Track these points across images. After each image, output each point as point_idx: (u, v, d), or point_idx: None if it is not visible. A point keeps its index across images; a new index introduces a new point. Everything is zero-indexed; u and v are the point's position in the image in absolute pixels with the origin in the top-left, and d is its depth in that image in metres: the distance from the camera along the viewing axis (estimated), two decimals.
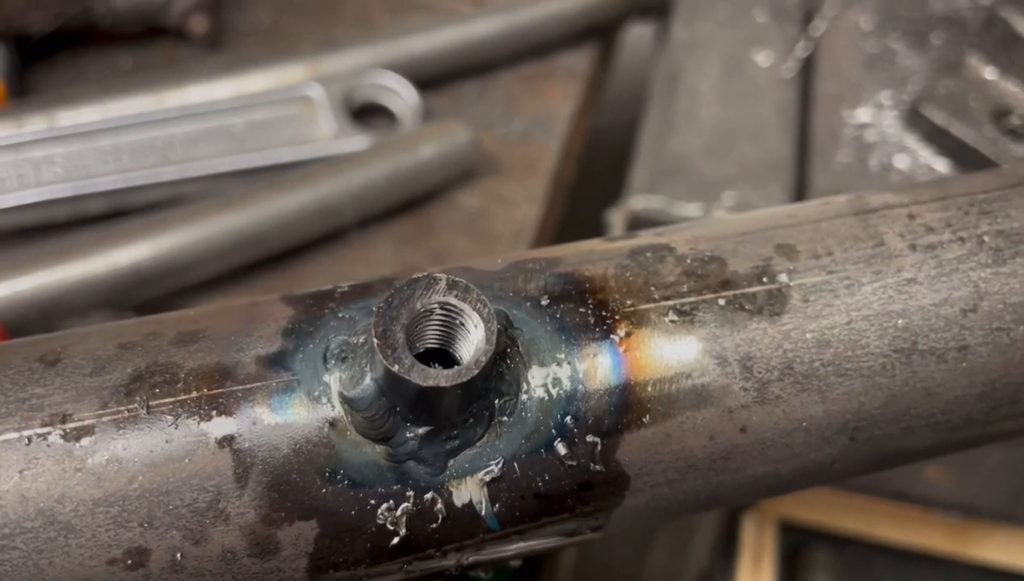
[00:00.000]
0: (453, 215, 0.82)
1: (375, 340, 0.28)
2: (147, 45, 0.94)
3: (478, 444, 0.31)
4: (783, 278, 0.35)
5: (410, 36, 0.89)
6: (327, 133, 0.82)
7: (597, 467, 0.32)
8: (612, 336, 0.33)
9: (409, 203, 0.82)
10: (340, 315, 0.33)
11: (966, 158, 0.77)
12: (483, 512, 0.32)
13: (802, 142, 0.86)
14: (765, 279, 0.35)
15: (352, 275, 0.76)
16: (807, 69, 0.92)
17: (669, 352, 0.33)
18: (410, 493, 0.31)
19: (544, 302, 0.34)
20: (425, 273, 0.30)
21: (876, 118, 0.82)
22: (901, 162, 0.78)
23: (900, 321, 0.34)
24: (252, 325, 0.33)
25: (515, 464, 0.32)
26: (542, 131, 0.89)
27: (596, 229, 0.87)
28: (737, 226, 0.37)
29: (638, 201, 0.81)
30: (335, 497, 0.30)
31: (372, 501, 0.31)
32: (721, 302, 0.34)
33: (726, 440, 0.34)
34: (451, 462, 0.31)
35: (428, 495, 0.31)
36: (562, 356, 0.33)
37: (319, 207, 0.76)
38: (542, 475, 0.32)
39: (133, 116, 0.80)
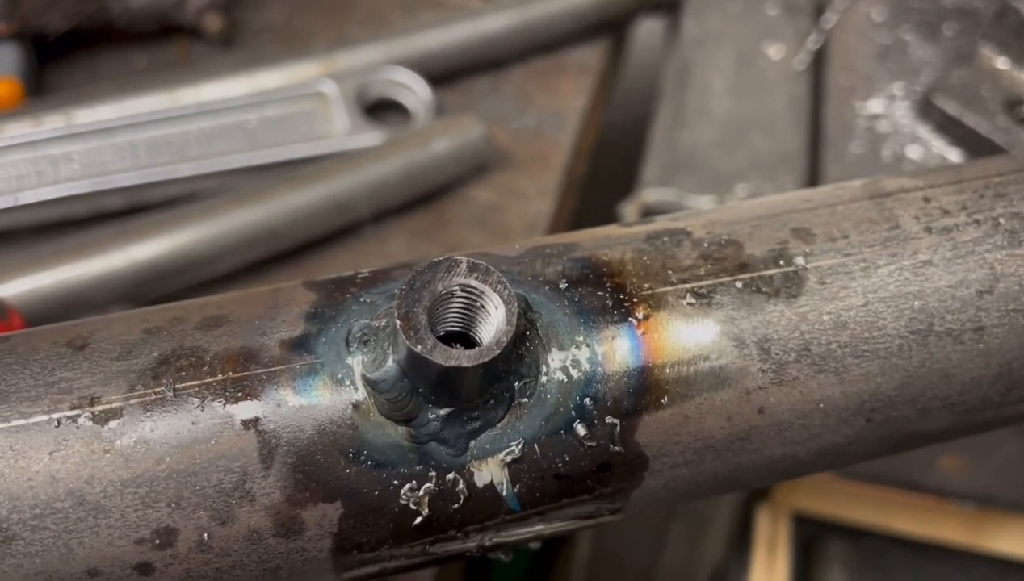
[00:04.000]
0: (466, 209, 0.83)
1: (398, 321, 0.29)
2: (162, 43, 0.95)
3: (499, 425, 0.32)
4: (799, 261, 0.35)
5: (423, 32, 0.90)
6: (341, 129, 0.83)
7: (616, 448, 0.33)
8: (630, 319, 0.33)
9: (423, 197, 0.82)
10: (362, 299, 0.33)
11: (979, 148, 0.77)
12: (504, 493, 0.32)
13: (814, 134, 0.86)
14: (782, 262, 0.35)
15: (365, 267, 0.77)
16: (818, 61, 0.93)
17: (687, 334, 0.33)
18: (432, 474, 0.31)
19: (563, 286, 0.34)
20: (446, 256, 0.31)
21: (888, 109, 0.82)
22: (914, 152, 0.78)
23: (916, 302, 0.35)
24: (275, 310, 0.33)
25: (535, 445, 0.32)
26: (554, 126, 0.90)
27: (609, 222, 0.87)
28: (753, 211, 0.37)
29: (651, 193, 0.81)
30: (359, 478, 0.31)
31: (395, 482, 0.31)
32: (738, 285, 0.34)
33: (744, 421, 0.34)
34: (472, 443, 0.32)
35: (450, 475, 0.31)
36: (581, 339, 0.33)
37: (334, 202, 0.77)
38: (562, 456, 0.32)
39: (149, 113, 0.81)
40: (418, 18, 0.94)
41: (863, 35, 0.90)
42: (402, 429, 0.31)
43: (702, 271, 0.34)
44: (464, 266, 0.30)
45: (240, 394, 0.31)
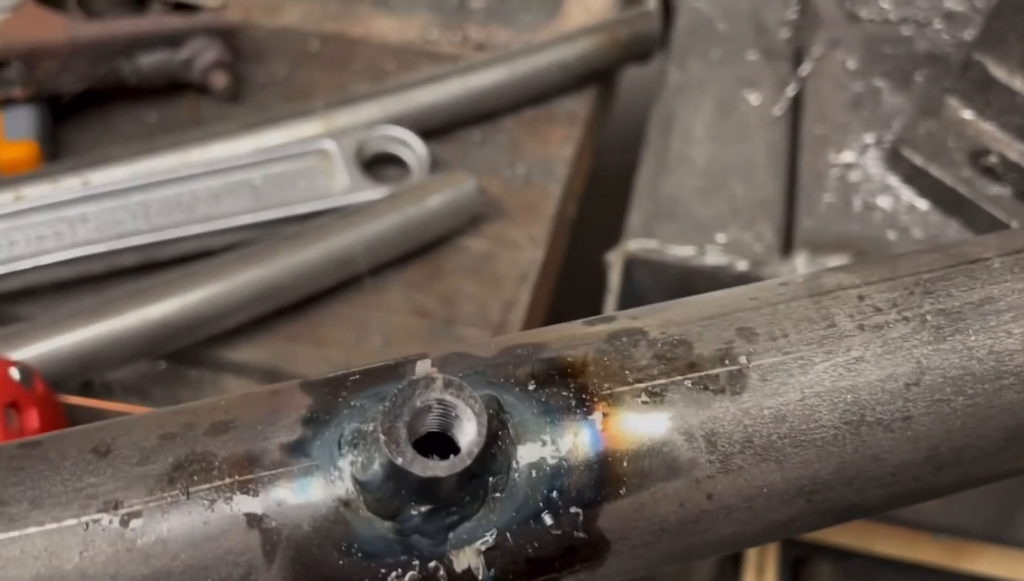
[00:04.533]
0: (460, 259, 0.87)
1: (381, 436, 0.33)
2: (171, 100, 1.00)
3: (474, 518, 0.36)
4: (743, 360, 0.39)
5: (418, 89, 0.94)
6: (342, 185, 0.87)
7: (580, 534, 0.37)
8: (591, 417, 0.37)
9: (419, 249, 0.87)
10: (352, 404, 0.38)
11: (945, 198, 0.81)
12: (480, 576, 0.36)
13: (791, 183, 0.90)
14: (727, 361, 0.39)
15: (364, 320, 0.81)
16: (796, 108, 0.97)
17: (642, 430, 0.37)
18: (416, 562, 0.35)
19: (531, 387, 0.38)
20: (425, 375, 0.35)
21: (860, 159, 0.86)
22: (884, 202, 0.82)
23: (849, 396, 0.39)
24: (275, 415, 0.37)
25: (507, 534, 0.36)
26: (543, 174, 0.94)
27: (599, 268, 0.91)
28: (704, 309, 0.42)
29: (634, 244, 0.85)
30: (351, 568, 0.35)
31: (383, 570, 0.35)
32: (688, 383, 0.38)
33: (695, 506, 0.38)
34: (451, 534, 0.36)
35: (431, 564, 0.36)
36: (547, 437, 0.37)
37: (335, 258, 0.81)
38: (532, 543, 0.36)
39: (160, 173, 0.86)
40: (413, 74, 0.98)
41: (838, 83, 0.94)
42: (388, 524, 0.35)
43: (656, 371, 0.39)
44: (440, 383, 0.35)
45: (245, 495, 0.35)
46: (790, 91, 0.97)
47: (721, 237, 0.85)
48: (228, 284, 0.77)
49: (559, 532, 0.36)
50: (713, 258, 0.83)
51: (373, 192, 0.87)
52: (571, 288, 1.02)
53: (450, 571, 0.36)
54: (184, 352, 0.79)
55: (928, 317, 0.41)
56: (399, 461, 0.33)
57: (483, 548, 0.36)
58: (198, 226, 0.83)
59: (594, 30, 1.00)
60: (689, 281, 0.85)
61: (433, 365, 0.40)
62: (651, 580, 0.44)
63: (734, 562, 1.13)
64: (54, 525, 0.34)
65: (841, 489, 0.40)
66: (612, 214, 1.16)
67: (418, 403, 0.34)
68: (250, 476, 0.35)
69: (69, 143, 0.96)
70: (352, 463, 0.36)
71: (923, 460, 0.40)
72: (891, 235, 0.80)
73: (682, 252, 0.84)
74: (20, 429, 0.62)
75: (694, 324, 0.40)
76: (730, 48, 1.05)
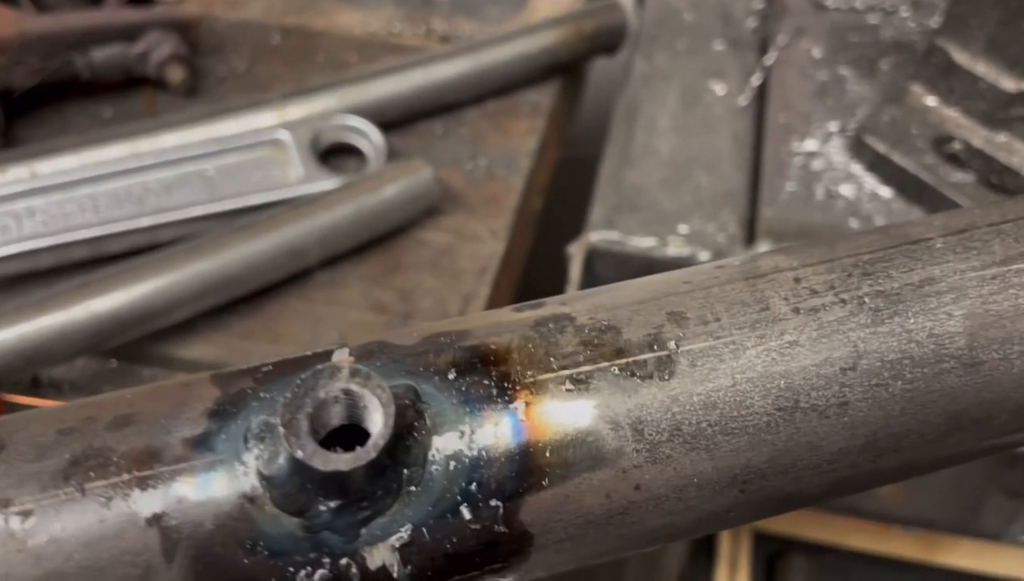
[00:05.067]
0: (420, 253, 0.86)
1: (281, 428, 0.31)
2: (127, 94, 0.98)
3: (388, 513, 0.34)
4: (672, 345, 0.37)
5: (377, 80, 0.92)
6: (296, 175, 0.85)
7: (501, 528, 0.35)
8: (512, 406, 0.36)
9: (376, 241, 0.85)
10: (261, 395, 0.36)
11: (908, 185, 0.79)
12: (396, 574, 0.34)
13: (756, 173, 0.89)
14: (656, 347, 0.37)
15: (320, 316, 0.80)
16: (761, 98, 0.95)
17: (566, 419, 0.36)
18: (326, 560, 0.34)
19: (451, 376, 0.36)
20: (330, 363, 0.33)
21: (823, 147, 0.85)
22: (847, 190, 0.81)
23: (783, 382, 0.37)
24: (181, 407, 0.36)
25: (424, 529, 0.35)
26: (505, 167, 0.92)
27: (564, 261, 0.90)
28: (635, 294, 0.40)
29: (595, 235, 0.84)
30: (256, 566, 0.33)
31: (291, 569, 0.34)
32: (615, 370, 0.37)
33: (622, 497, 0.36)
34: (363, 530, 0.34)
35: (343, 561, 0.34)
36: (466, 427, 0.35)
37: (287, 249, 0.79)
38: (450, 538, 0.35)
39: (110, 164, 0.84)
40: (374, 65, 0.96)
41: (803, 72, 0.93)
42: (296, 520, 0.34)
43: (581, 358, 0.37)
44: (346, 372, 0.33)
45: (144, 492, 0.33)
46: (755, 80, 0.96)
47: (684, 228, 0.83)
48: (177, 276, 0.76)
49: (478, 526, 0.35)
50: (675, 249, 0.82)
51: (328, 182, 0.85)
52: (536, 282, 1.00)
53: (363, 568, 0.34)
54: (135, 349, 0.77)
55: (866, 299, 0.39)
56: (299, 455, 0.31)
57: (398, 544, 0.34)
58: (149, 218, 0.81)
59: (559, 22, 0.98)
60: (650, 273, 0.83)
61: (351, 354, 0.39)
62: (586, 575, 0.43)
63: (707, 556, 1.12)
64: None
65: (776, 478, 0.38)
66: (580, 207, 1.15)
67: (322, 394, 0.33)
68: (149, 472, 0.34)
69: (22, 139, 0.94)
70: (258, 457, 0.34)
71: (861, 447, 0.39)
72: (854, 223, 0.78)
73: (643, 243, 0.82)
74: None
75: (624, 309, 0.39)
76: (696, 39, 1.03)
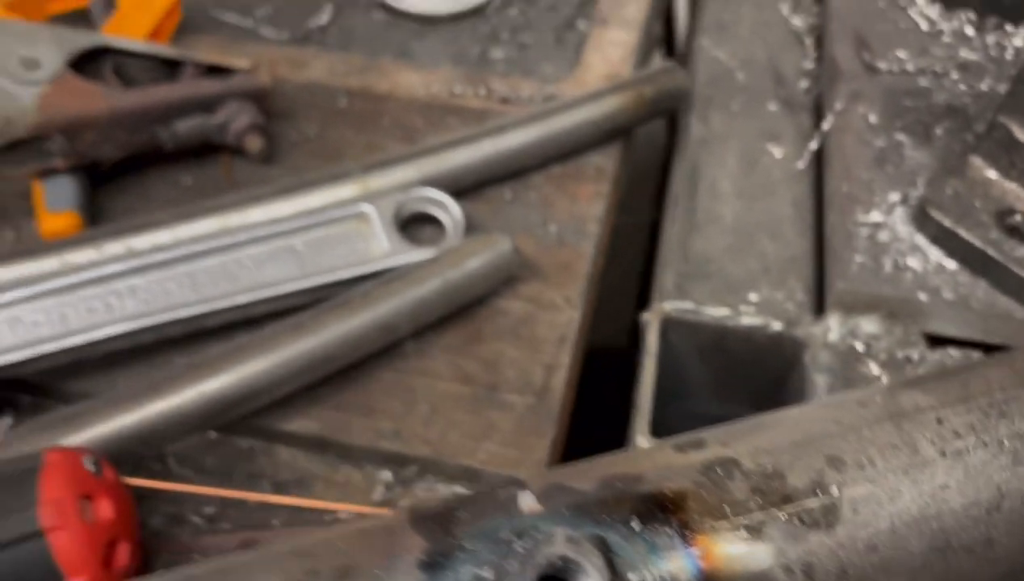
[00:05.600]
0: (499, 322, 0.89)
1: None
2: (205, 162, 1.01)
3: None
4: (834, 491, 0.41)
5: (451, 150, 0.96)
6: (381, 249, 0.89)
7: None
8: (694, 552, 0.40)
9: (458, 312, 0.88)
10: (467, 548, 0.40)
11: (973, 259, 0.83)
12: None
13: (818, 238, 0.92)
14: (819, 492, 0.41)
15: (410, 386, 0.83)
16: (820, 161, 0.99)
17: (743, 566, 0.40)
18: None
19: (635, 525, 0.40)
20: (544, 532, 0.37)
21: (888, 218, 0.88)
22: (914, 263, 0.85)
23: (936, 524, 0.41)
24: (393, 559, 0.39)
25: None
26: (575, 233, 0.96)
27: (621, 322, 0.93)
28: (791, 435, 0.44)
29: (669, 305, 0.87)
30: None
31: None
32: (783, 517, 0.41)
33: None
34: None
35: None
36: (655, 573, 0.39)
37: (380, 324, 0.83)
38: None
39: (203, 240, 0.87)
40: (445, 134, 1.00)
41: (860, 138, 0.96)
42: None
43: (752, 505, 0.41)
44: (560, 538, 0.37)
45: None
46: (813, 145, 0.99)
47: (754, 296, 0.87)
48: (280, 356, 0.79)
49: None
50: (748, 319, 0.86)
51: (411, 255, 0.89)
52: (597, 340, 1.04)
53: None
54: (235, 424, 0.80)
55: (1005, 441, 0.43)
56: None
57: None
58: (245, 295, 0.84)
59: (621, 88, 1.01)
60: (723, 341, 0.87)
61: (534, 493, 0.43)
62: None
63: None
64: None
65: None
66: (623, 264, 1.18)
67: (541, 560, 0.36)
68: None
69: (107, 209, 0.97)
70: None
71: (1001, 575, 0.42)
72: (922, 296, 0.82)
73: (717, 313, 0.86)
74: (94, 520, 0.64)
75: (784, 453, 0.43)
76: (750, 100, 1.07)
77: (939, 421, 0.44)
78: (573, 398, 0.89)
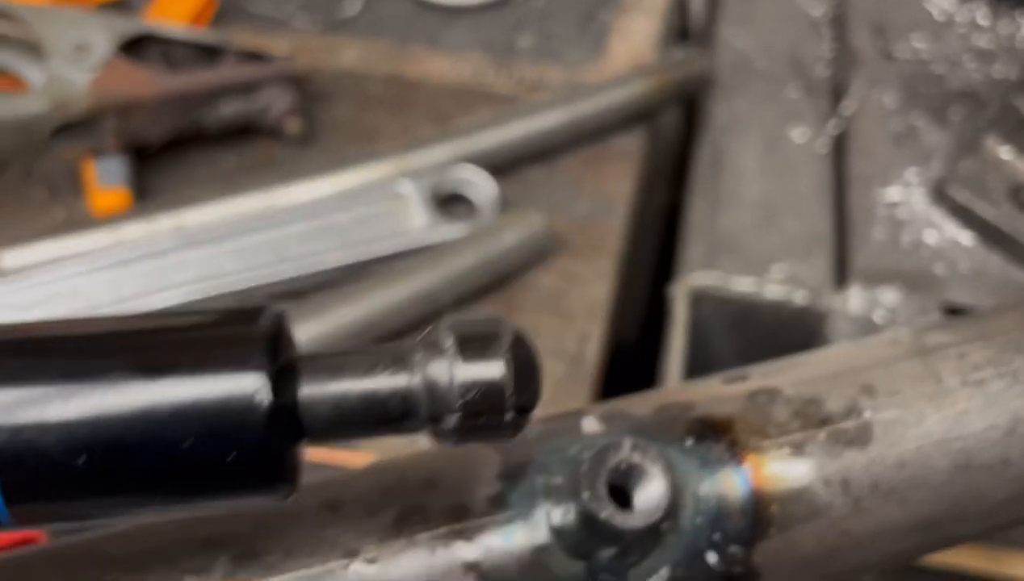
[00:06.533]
0: (533, 295, 0.93)
1: (585, 493, 0.39)
2: (244, 144, 1.05)
3: (651, 556, 0.42)
4: (867, 414, 0.45)
5: (484, 131, 1.00)
6: (420, 224, 0.93)
7: (738, 569, 0.43)
8: (743, 468, 0.44)
9: (494, 285, 0.93)
10: (539, 461, 0.44)
11: (988, 233, 0.87)
12: None
13: (839, 217, 0.97)
14: (854, 415, 0.45)
15: None
16: (839, 145, 1.03)
17: (787, 479, 0.44)
18: None
19: (689, 443, 0.44)
20: (609, 438, 0.41)
21: (905, 196, 0.92)
22: (930, 237, 0.89)
23: (958, 444, 0.45)
24: (474, 470, 0.43)
25: (678, 570, 0.42)
26: (604, 211, 1.00)
27: (639, 294, 0.97)
28: (827, 368, 0.48)
29: (697, 277, 0.91)
30: None
31: None
32: (822, 436, 0.45)
33: (831, 543, 0.44)
34: (632, 572, 0.42)
35: None
36: (708, 486, 0.43)
37: (422, 295, 0.87)
38: (697, 577, 0.43)
39: (250, 216, 0.91)
40: (478, 117, 1.04)
41: (878, 120, 1.01)
42: (580, 564, 0.42)
43: (794, 426, 0.45)
44: (627, 445, 0.41)
45: (460, 542, 0.41)
46: (833, 129, 1.03)
47: (778, 270, 0.91)
48: (326, 323, 0.83)
49: (722, 568, 0.43)
50: (772, 291, 0.90)
51: (448, 231, 0.93)
52: (625, 316, 1.08)
53: None
54: None
55: (1020, 373, 0.47)
56: (603, 515, 0.39)
57: None
58: (291, 268, 0.89)
59: (647, 73, 1.06)
60: (749, 313, 0.91)
61: (598, 420, 0.47)
62: None
63: None
64: (306, 571, 0.40)
65: (951, 523, 0.46)
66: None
67: (611, 463, 0.40)
68: (463, 525, 0.42)
69: (152, 188, 1.01)
70: (548, 513, 0.42)
71: (1019, 494, 0.47)
72: (939, 269, 0.86)
73: (743, 285, 0.90)
74: None
75: (821, 382, 0.47)
76: (770, 85, 1.11)
77: (961, 356, 0.48)
78: (605, 369, 0.93)
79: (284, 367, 0.30)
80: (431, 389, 0.31)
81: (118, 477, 0.29)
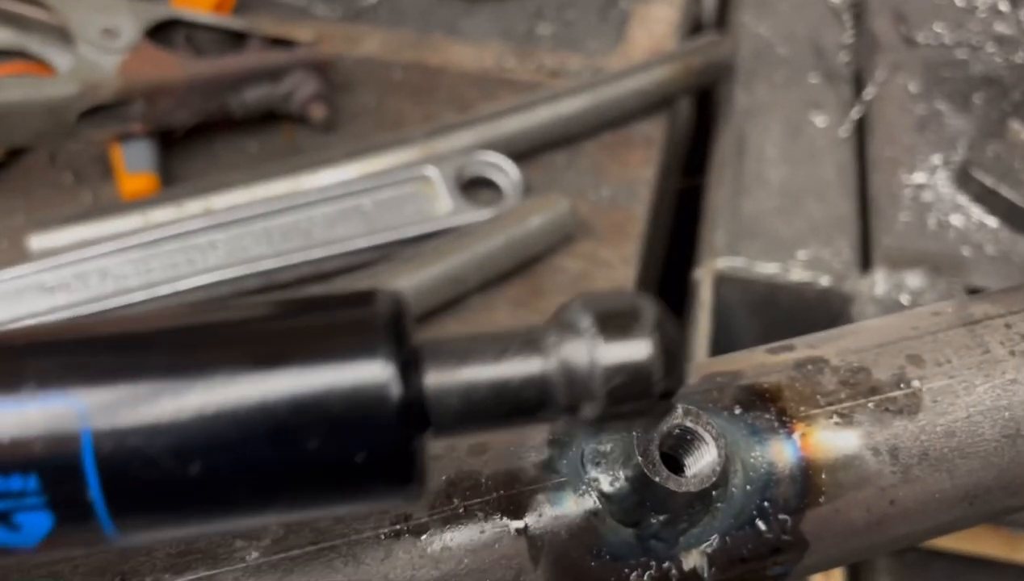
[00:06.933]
0: (558, 278, 0.93)
1: (639, 457, 0.39)
2: (269, 130, 1.06)
3: (700, 524, 0.42)
4: (916, 384, 0.45)
5: (508, 116, 1.00)
6: (445, 209, 0.93)
7: (786, 537, 0.43)
8: (792, 436, 0.44)
9: (519, 268, 0.93)
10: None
11: (1014, 216, 0.87)
12: (705, 575, 0.42)
13: (862, 200, 0.96)
14: (902, 385, 0.45)
15: None
16: (862, 130, 1.03)
17: (836, 447, 0.44)
18: (653, 563, 0.42)
19: (737, 411, 0.44)
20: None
21: (930, 179, 0.92)
22: (956, 220, 0.89)
23: (1007, 413, 0.45)
24: (523, 437, 0.44)
25: (727, 538, 0.42)
26: (627, 196, 1.00)
27: (672, 280, 0.97)
28: (873, 338, 0.48)
29: (722, 261, 0.91)
30: (601, 569, 0.41)
31: (626, 570, 0.41)
32: (871, 405, 0.45)
33: (879, 511, 0.44)
34: (681, 539, 0.42)
35: (665, 564, 0.42)
36: (757, 454, 0.43)
37: (450, 276, 0.87)
38: (746, 545, 0.43)
39: (277, 199, 0.91)
40: (500, 103, 1.04)
41: (902, 105, 1.01)
42: (630, 531, 0.42)
43: (843, 395, 0.45)
44: (680, 411, 0.41)
45: (511, 507, 0.41)
46: (855, 114, 1.03)
47: (802, 254, 0.91)
48: None
49: (770, 536, 0.43)
50: (797, 274, 0.90)
51: (473, 215, 0.93)
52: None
53: (680, 570, 0.42)
54: None
55: None
56: (657, 479, 0.39)
57: (708, 550, 0.42)
58: (317, 251, 0.89)
59: (669, 59, 1.06)
60: (773, 296, 0.91)
61: None
62: None
63: None
64: (357, 536, 0.40)
65: (999, 493, 0.46)
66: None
67: (665, 429, 0.40)
68: (513, 491, 0.42)
69: (177, 173, 1.02)
70: (596, 479, 0.42)
71: None
72: (965, 251, 0.86)
73: (768, 269, 0.90)
74: None
75: (868, 352, 0.47)
76: (792, 72, 1.11)
77: (1008, 326, 0.48)
78: None
79: (409, 355, 0.27)
80: (569, 374, 0.27)
81: (234, 483, 0.25)
